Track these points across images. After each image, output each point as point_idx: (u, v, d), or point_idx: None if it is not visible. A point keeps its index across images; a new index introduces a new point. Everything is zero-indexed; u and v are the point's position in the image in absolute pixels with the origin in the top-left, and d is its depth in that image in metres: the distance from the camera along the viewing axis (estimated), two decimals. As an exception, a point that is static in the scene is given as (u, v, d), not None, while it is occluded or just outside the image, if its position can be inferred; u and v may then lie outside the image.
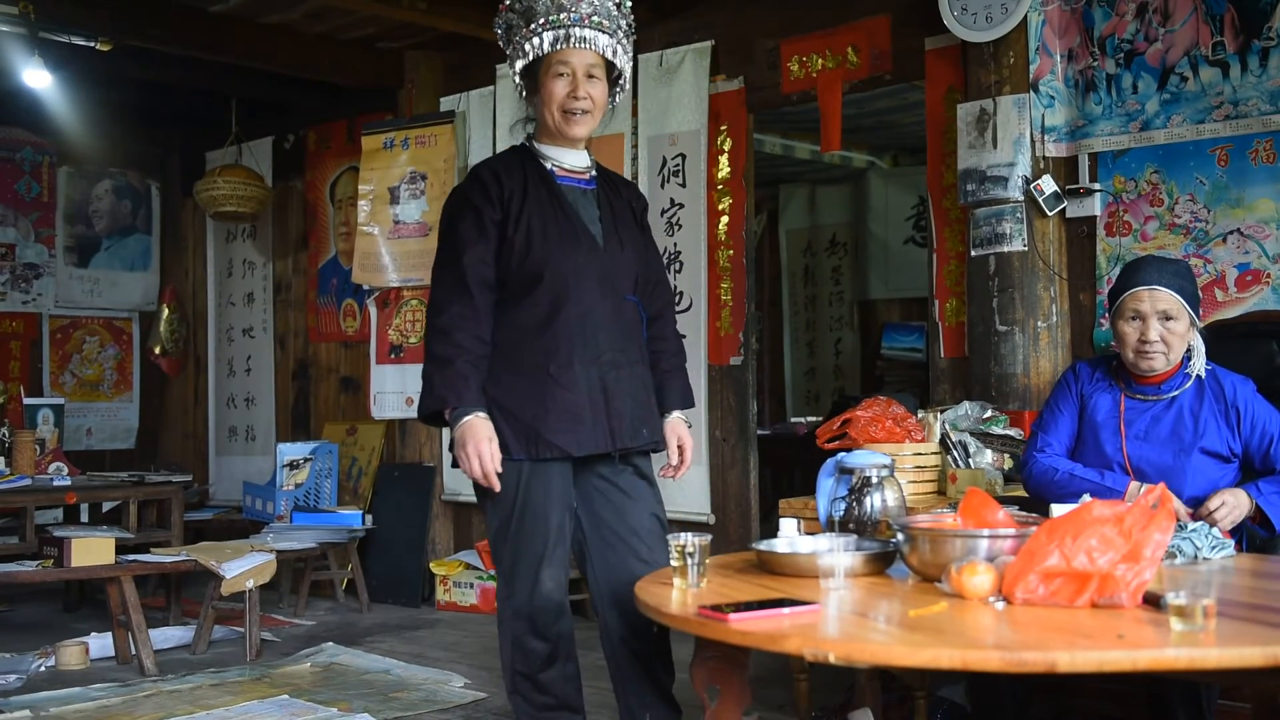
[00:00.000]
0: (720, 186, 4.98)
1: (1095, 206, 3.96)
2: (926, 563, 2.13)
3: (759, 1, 4.90)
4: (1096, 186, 3.94)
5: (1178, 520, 2.45)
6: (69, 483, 5.22)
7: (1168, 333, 2.77)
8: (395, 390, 5.98)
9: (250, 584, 4.57)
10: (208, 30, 5.46)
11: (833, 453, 2.82)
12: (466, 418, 2.63)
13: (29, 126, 7.01)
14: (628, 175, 5.13)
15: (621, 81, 2.85)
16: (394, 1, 5.09)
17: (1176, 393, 2.85)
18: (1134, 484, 2.76)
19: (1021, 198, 3.94)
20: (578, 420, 2.71)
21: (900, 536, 2.19)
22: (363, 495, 6.12)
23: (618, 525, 2.82)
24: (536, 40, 2.69)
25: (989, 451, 3.63)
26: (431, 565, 5.61)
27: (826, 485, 2.67)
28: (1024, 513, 2.38)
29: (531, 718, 2.78)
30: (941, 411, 3.72)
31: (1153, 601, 1.86)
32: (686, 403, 2.97)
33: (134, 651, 4.43)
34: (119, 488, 5.35)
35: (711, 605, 1.95)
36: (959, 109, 4.10)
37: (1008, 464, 3.63)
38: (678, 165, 5.06)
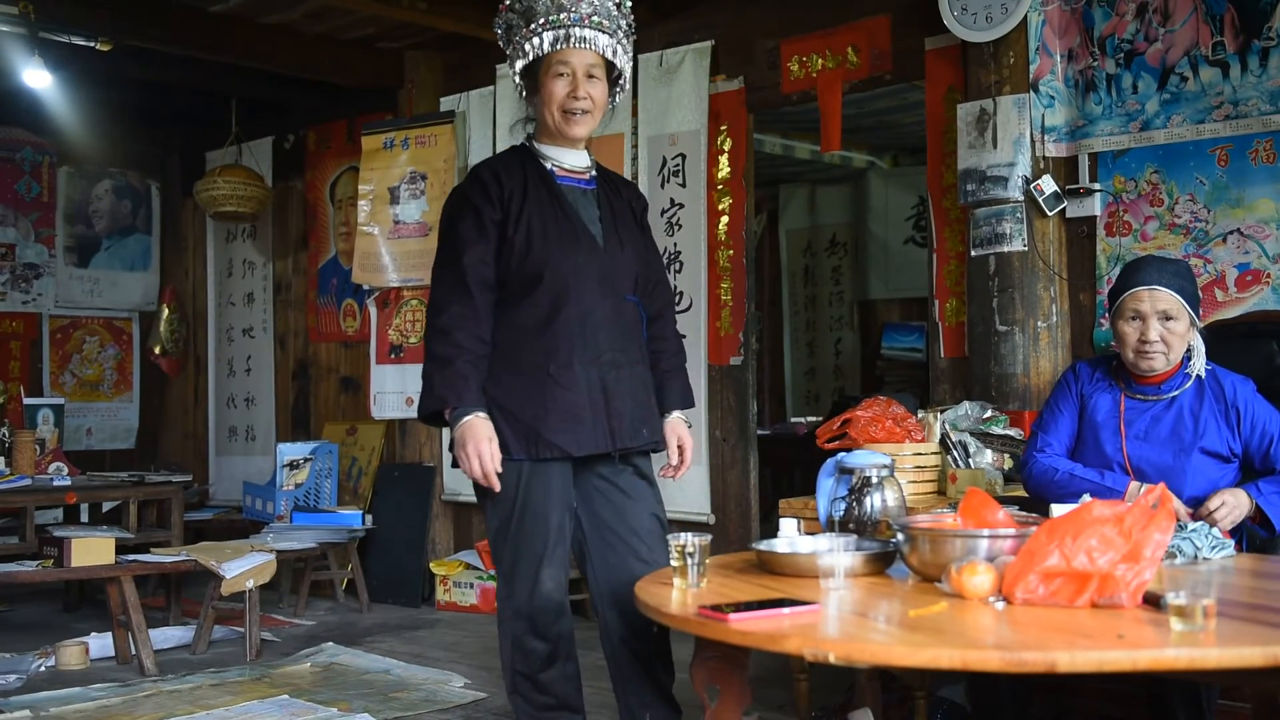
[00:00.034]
0: (720, 186, 4.98)
1: (1095, 206, 3.96)
2: (926, 563, 2.13)
3: (759, 1, 4.90)
4: (1096, 186, 3.94)
5: (1178, 520, 2.45)
6: (69, 483, 5.22)
7: (1168, 333, 2.77)
8: (395, 390, 5.98)
9: (250, 584, 4.57)
10: (208, 30, 5.46)
11: (833, 453, 2.82)
12: (466, 418, 2.63)
13: (29, 126, 7.01)
14: (628, 175, 5.13)
15: (621, 81, 2.85)
16: (394, 1, 5.09)
17: (1176, 393, 2.85)
18: (1134, 484, 2.77)
19: (1021, 198, 3.94)
20: (578, 420, 2.71)
21: (900, 536, 2.20)
22: (363, 495, 6.12)
23: (618, 525, 2.82)
24: (536, 40, 2.70)
25: (989, 451, 3.63)
26: (431, 565, 5.61)
27: (826, 485, 2.67)
28: (1024, 513, 2.38)
29: (532, 718, 2.78)
30: (941, 411, 3.72)
31: (1153, 601, 1.86)
32: (686, 403, 2.97)
33: (134, 651, 4.43)
34: (119, 488, 5.35)
35: (711, 605, 1.95)
36: (959, 109, 4.10)
37: (1008, 464, 3.63)
38: (678, 165, 5.06)
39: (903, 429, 3.51)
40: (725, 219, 4.97)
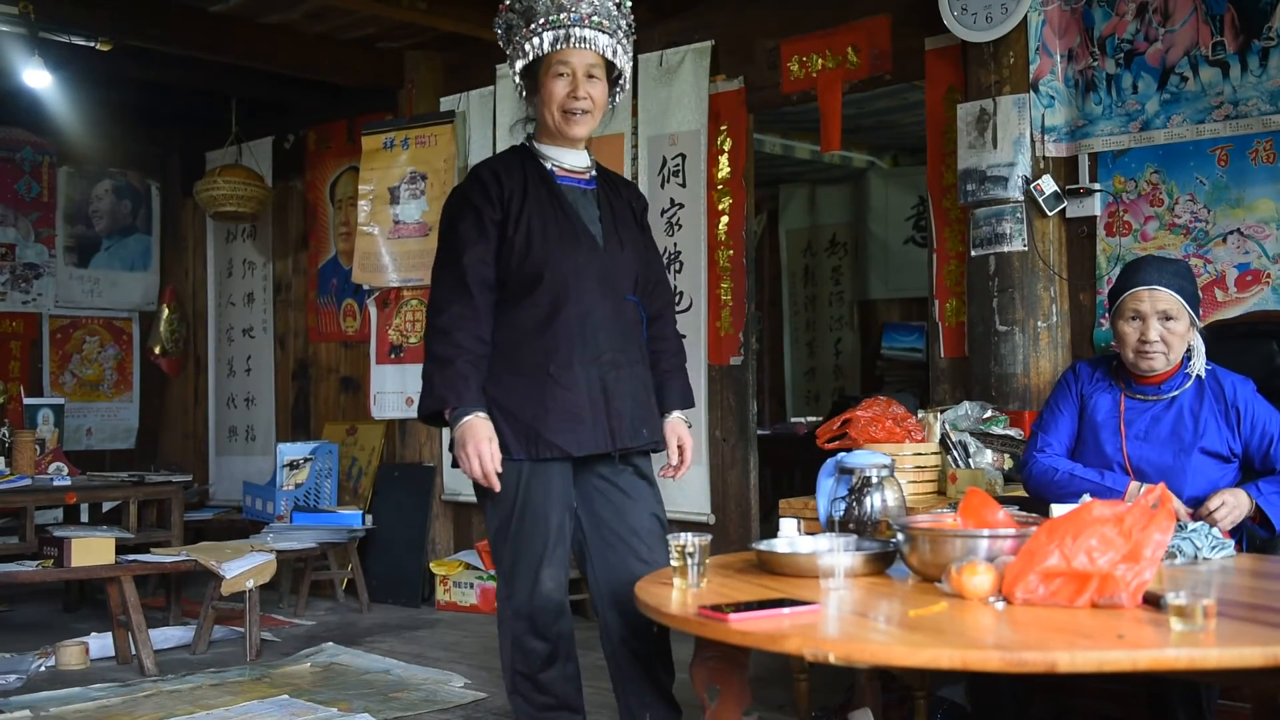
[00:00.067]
0: (720, 186, 4.98)
1: (1095, 206, 3.96)
2: (926, 563, 2.13)
3: (759, 1, 4.90)
4: (1096, 186, 3.94)
5: (1178, 520, 2.45)
6: (69, 483, 5.22)
7: (1168, 332, 2.77)
8: (395, 390, 5.98)
9: (250, 584, 4.57)
10: (208, 30, 5.46)
11: (833, 453, 2.82)
12: (466, 418, 2.63)
13: (29, 126, 7.01)
14: (628, 175, 5.13)
15: (621, 81, 2.85)
16: (394, 1, 5.09)
17: (1176, 393, 2.85)
18: (1134, 484, 2.76)
19: (1021, 198, 3.94)
20: (578, 420, 2.71)
21: (900, 536, 2.20)
22: (363, 495, 6.12)
23: (618, 525, 2.82)
24: (536, 40, 2.70)
25: (989, 451, 3.63)
26: (431, 565, 5.61)
27: (826, 485, 2.67)
28: (1024, 513, 2.38)
29: (531, 718, 2.78)
30: (941, 411, 3.72)
31: (1153, 601, 1.86)
32: (686, 403, 2.97)
33: (134, 651, 4.43)
34: (119, 488, 5.35)
35: (711, 605, 1.95)
36: (959, 109, 4.10)
37: (1008, 464, 3.63)
38: (678, 165, 5.06)
39: (903, 429, 3.51)
40: (725, 219, 4.97)
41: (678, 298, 5.03)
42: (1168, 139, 3.81)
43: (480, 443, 2.61)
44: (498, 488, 2.65)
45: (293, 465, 5.93)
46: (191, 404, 7.59)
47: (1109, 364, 2.98)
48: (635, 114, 5.13)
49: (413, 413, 5.89)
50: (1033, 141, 3.95)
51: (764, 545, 2.39)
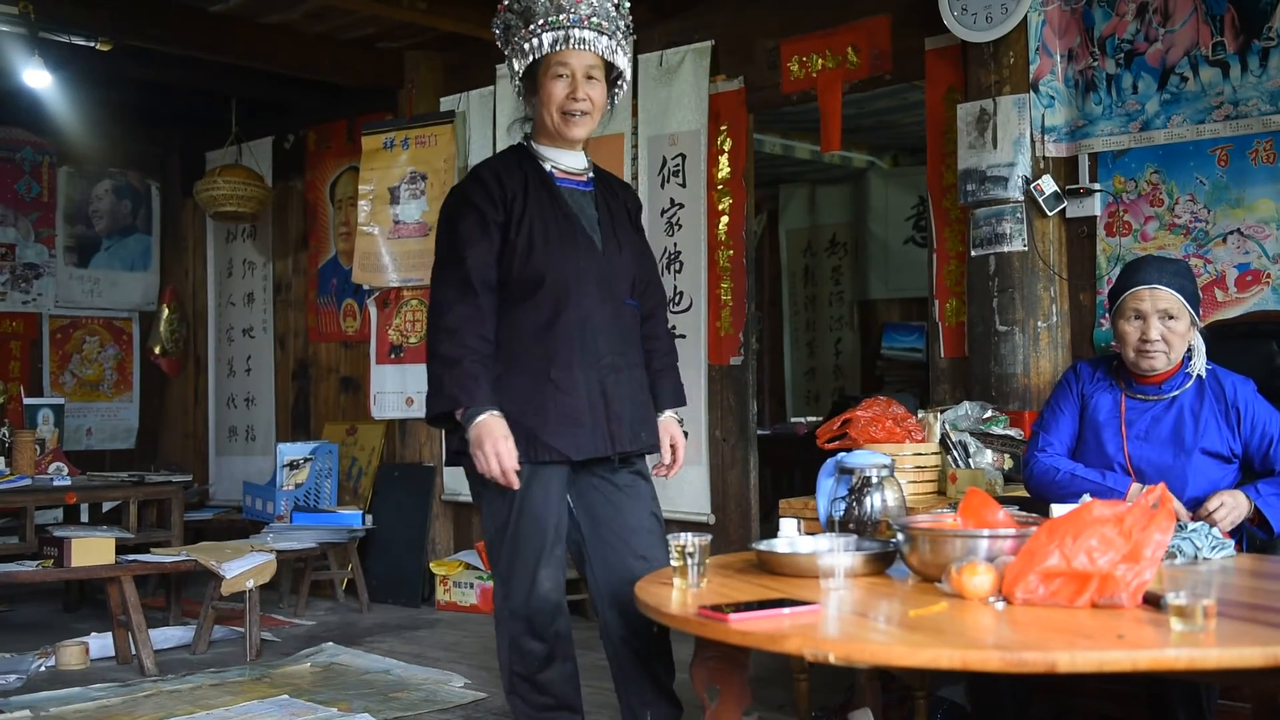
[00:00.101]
0: (720, 186, 4.98)
1: (1095, 206, 3.96)
2: (926, 563, 2.13)
3: (759, 1, 4.90)
4: (1096, 186, 3.94)
5: (1178, 520, 2.45)
6: (69, 483, 5.22)
7: (1169, 332, 2.77)
8: (395, 390, 5.98)
9: (250, 584, 4.57)
10: (208, 30, 5.46)
11: (833, 453, 2.82)
12: (480, 417, 2.61)
13: (29, 126, 7.01)
14: (628, 175, 5.14)
15: (621, 82, 2.85)
16: (394, 1, 5.09)
17: (1177, 393, 2.85)
18: (1135, 485, 2.76)
19: (1021, 198, 3.94)
20: (577, 424, 2.71)
21: (900, 536, 2.20)
22: (363, 495, 6.12)
23: (616, 525, 2.82)
24: (535, 41, 2.69)
25: (989, 451, 3.63)
26: (431, 565, 5.61)
27: (826, 485, 2.67)
28: (1024, 513, 2.38)
29: (530, 718, 2.78)
30: (941, 411, 3.72)
31: (1153, 601, 1.86)
32: (678, 401, 2.98)
33: (134, 651, 4.43)
34: (119, 488, 5.35)
35: (711, 605, 1.95)
36: (959, 109, 4.10)
37: (1008, 464, 3.63)
38: (678, 165, 5.06)
39: (903, 429, 3.51)
40: (725, 219, 4.97)
41: (678, 298, 5.03)
42: (1168, 139, 3.81)
43: (497, 441, 2.60)
44: (516, 485, 2.64)
45: (293, 465, 5.93)
46: (191, 404, 7.59)
47: (1109, 364, 2.98)
48: (635, 114, 5.13)
49: (413, 413, 5.89)
50: (1033, 141, 3.94)
51: (764, 545, 2.39)
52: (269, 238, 7.04)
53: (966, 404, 3.80)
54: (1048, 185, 3.89)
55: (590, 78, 2.74)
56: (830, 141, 4.63)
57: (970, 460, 3.61)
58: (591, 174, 2.89)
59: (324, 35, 5.77)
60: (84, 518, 5.80)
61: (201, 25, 5.44)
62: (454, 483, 5.77)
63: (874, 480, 2.58)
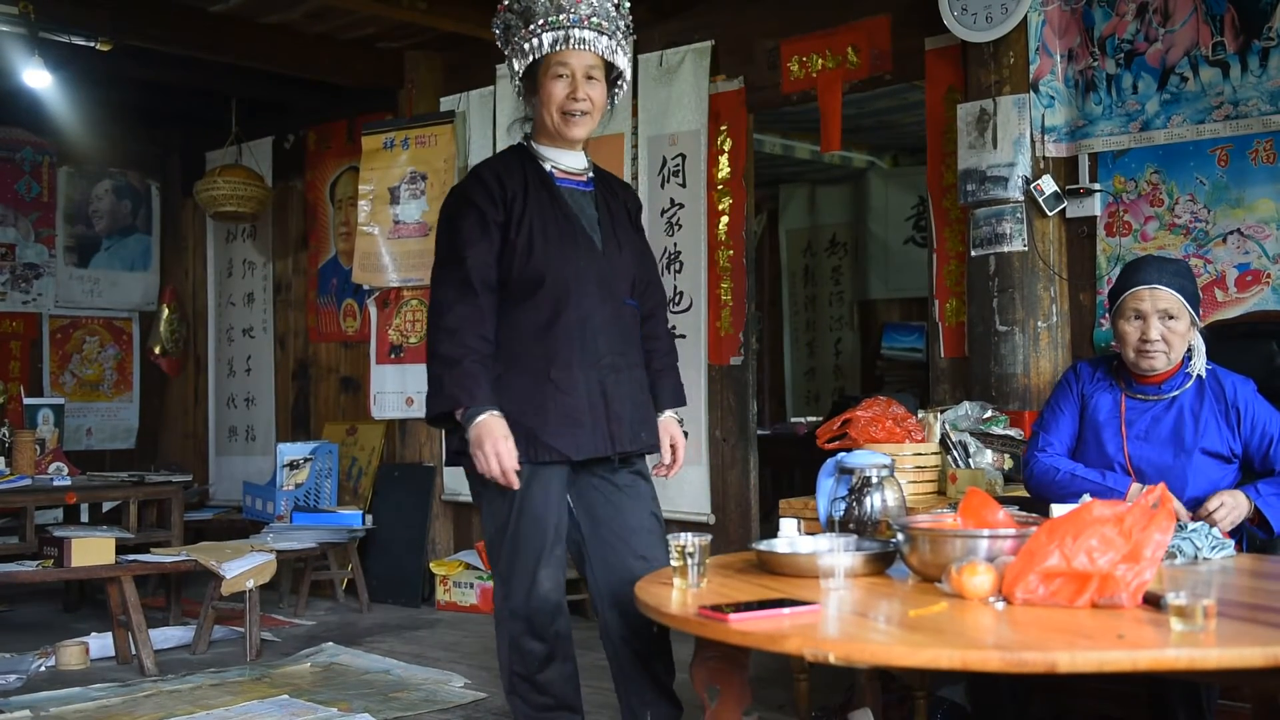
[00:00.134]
0: (720, 186, 4.98)
1: (1095, 207, 3.96)
2: (926, 563, 2.13)
3: (759, 1, 4.90)
4: (1096, 187, 3.94)
5: (1178, 520, 2.45)
6: (69, 483, 5.22)
7: (1169, 332, 2.77)
8: (395, 390, 5.98)
9: (250, 584, 4.57)
10: (208, 30, 5.46)
11: (833, 453, 2.82)
12: (480, 417, 2.61)
13: (29, 126, 7.01)
14: (628, 175, 5.14)
15: (620, 82, 2.85)
16: (394, 1, 5.09)
17: (1177, 393, 2.85)
18: (1135, 485, 2.76)
19: (1021, 198, 3.94)
20: (577, 424, 2.71)
21: (900, 536, 2.20)
22: (363, 495, 6.12)
23: (616, 525, 2.82)
24: (535, 41, 2.69)
25: (989, 451, 3.63)
26: (431, 565, 5.61)
27: (826, 485, 2.67)
28: (1024, 513, 2.38)
29: (530, 718, 2.78)
30: (941, 411, 3.72)
31: (1153, 601, 1.86)
32: (678, 401, 2.99)
33: (134, 651, 4.43)
34: (119, 488, 5.35)
35: (711, 605, 1.95)
36: (959, 109, 4.10)
37: (1008, 464, 3.63)
38: (678, 165, 5.06)
39: (903, 429, 3.51)
40: (725, 219, 4.97)
41: (678, 298, 5.03)
42: (1168, 139, 3.81)
43: (497, 441, 2.60)
44: (516, 485, 2.64)
45: (293, 465, 5.93)
46: (191, 404, 7.59)
47: (1109, 364, 2.98)
48: (635, 114, 5.13)
49: (413, 413, 5.89)
50: (1033, 141, 3.94)
51: (764, 545, 2.39)
52: (269, 238, 7.04)
53: (966, 404, 3.80)
54: (1048, 185, 3.89)
55: (590, 78, 2.74)
56: (830, 141, 4.63)
57: (970, 460, 3.61)
58: (591, 174, 2.89)
59: (324, 35, 5.77)
60: (84, 518, 5.80)
61: (201, 25, 5.44)
62: (454, 483, 5.77)
63: (874, 480, 2.58)
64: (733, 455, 4.99)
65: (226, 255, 7.29)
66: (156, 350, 7.43)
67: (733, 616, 1.87)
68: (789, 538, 2.44)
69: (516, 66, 2.76)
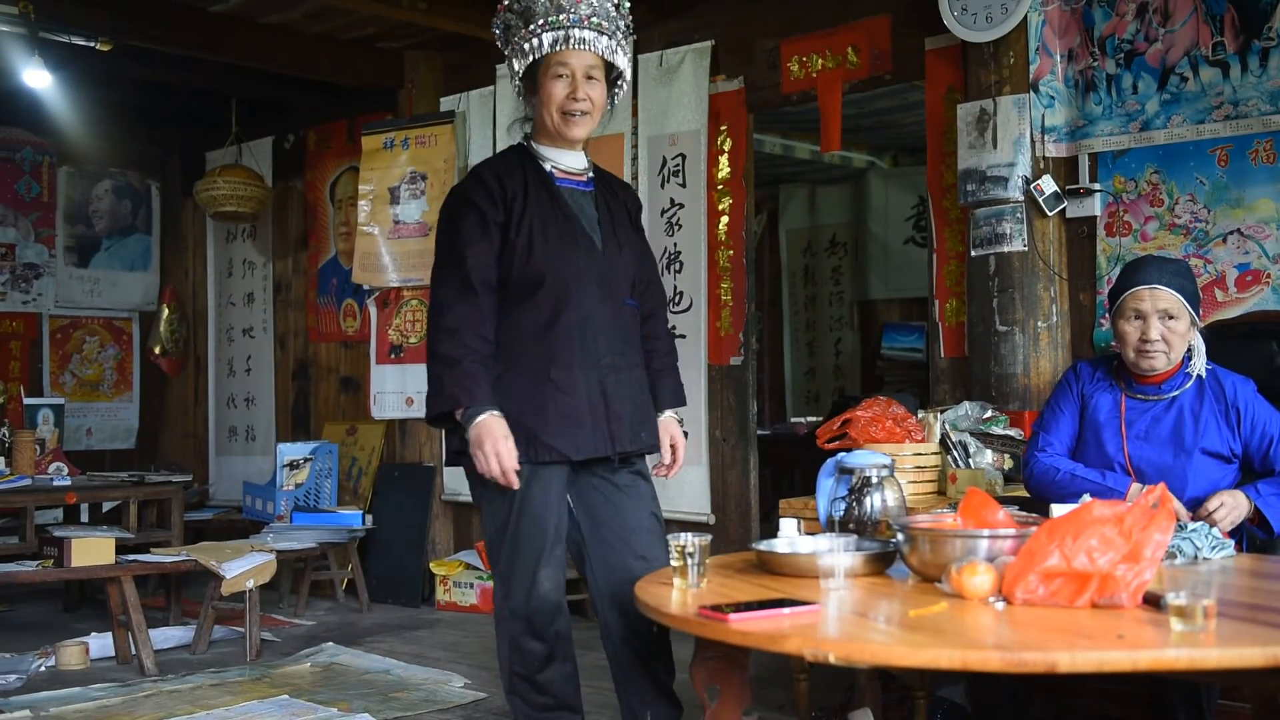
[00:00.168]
0: (720, 186, 4.98)
1: (1095, 207, 3.96)
2: (926, 563, 2.13)
3: (759, 1, 4.90)
4: (1096, 187, 3.94)
5: (1178, 520, 2.45)
6: (69, 483, 5.22)
7: (1169, 331, 2.78)
8: (395, 390, 5.98)
9: (250, 584, 4.57)
10: (208, 30, 5.46)
11: (833, 453, 2.82)
12: (480, 417, 2.61)
13: (29, 126, 7.01)
14: (628, 175, 5.14)
15: (620, 83, 2.85)
16: (394, 1, 5.09)
17: (1177, 393, 2.85)
18: (1135, 485, 2.76)
19: (1021, 198, 3.94)
20: (577, 424, 2.71)
21: (900, 536, 2.20)
22: (363, 495, 6.12)
23: (616, 525, 2.82)
24: (535, 41, 2.69)
25: (989, 451, 3.63)
26: (431, 565, 5.61)
27: (826, 485, 2.67)
28: (1024, 513, 2.38)
29: (530, 718, 2.78)
30: (941, 411, 3.72)
31: (1153, 601, 1.86)
32: (678, 401, 2.99)
33: (134, 651, 4.43)
34: (119, 488, 5.35)
35: (711, 605, 1.95)
36: (959, 109, 4.10)
37: (1008, 464, 3.63)
38: (678, 165, 5.06)
39: (903, 429, 3.51)
40: (725, 219, 4.97)
41: (678, 298, 5.03)
42: (1168, 139, 3.81)
43: (497, 441, 2.60)
44: (516, 485, 2.64)
45: (293, 465, 5.93)
46: (191, 404, 7.59)
47: (1109, 364, 2.98)
48: (635, 114, 5.13)
49: (413, 413, 5.90)
50: (1033, 141, 3.94)
51: (764, 545, 2.39)
52: (269, 238, 7.04)
53: (966, 404, 3.80)
54: (1048, 185, 3.89)
55: (590, 78, 2.74)
56: (830, 141, 4.63)
57: (970, 460, 3.61)
58: (591, 174, 2.89)
59: (324, 35, 5.77)
60: (84, 518, 5.80)
61: (201, 25, 5.44)
62: (454, 483, 5.77)
63: (874, 480, 2.58)
64: (733, 455, 4.99)
65: (226, 255, 7.29)
66: (156, 350, 7.43)
67: (733, 616, 1.87)
68: (789, 538, 2.44)
69: (516, 66, 2.76)
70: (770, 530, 2.70)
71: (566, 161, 2.84)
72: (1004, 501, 2.37)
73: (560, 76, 2.72)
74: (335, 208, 6.67)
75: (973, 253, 4.07)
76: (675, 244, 5.07)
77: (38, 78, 5.34)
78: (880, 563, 2.28)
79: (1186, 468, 2.79)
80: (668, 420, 2.94)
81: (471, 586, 5.41)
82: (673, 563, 2.22)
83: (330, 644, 4.70)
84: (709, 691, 2.16)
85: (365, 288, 6.08)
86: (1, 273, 7.10)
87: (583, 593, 4.78)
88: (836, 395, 7.75)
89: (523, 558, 2.72)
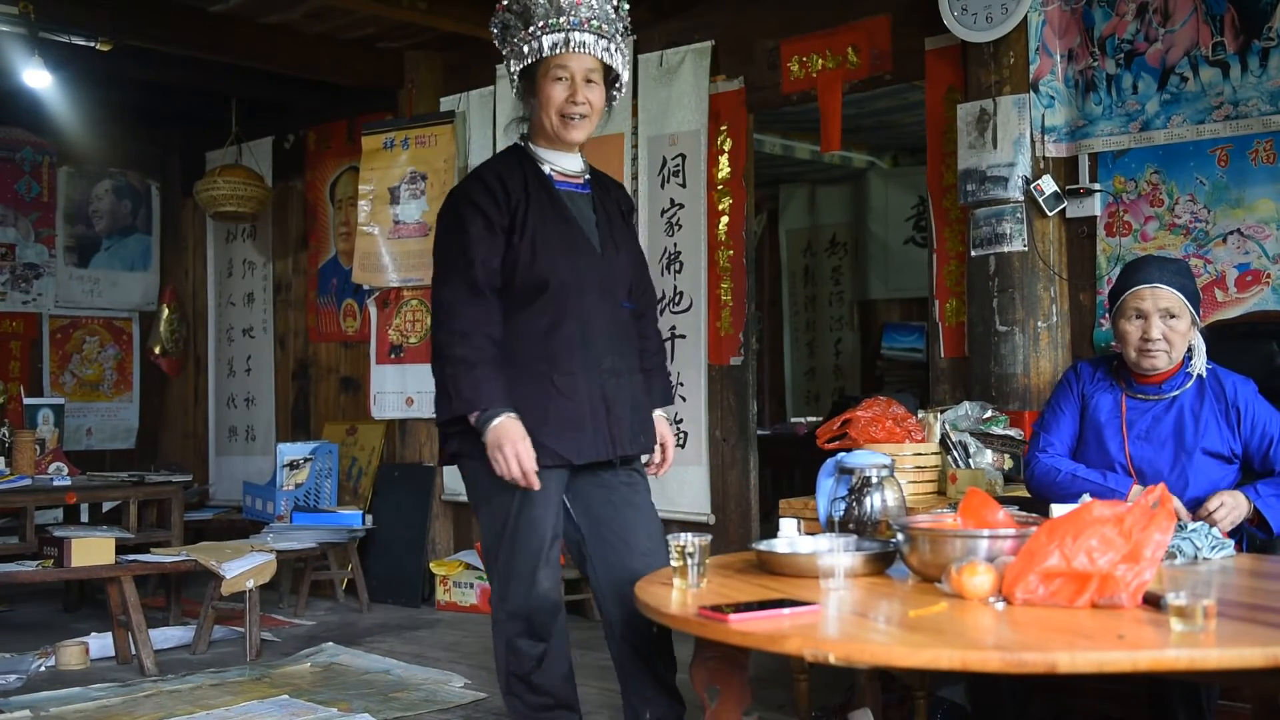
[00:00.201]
0: (720, 186, 4.98)
1: (1095, 207, 3.96)
2: (926, 563, 2.13)
3: (759, 1, 4.90)
4: (1096, 187, 3.94)
5: (1178, 520, 2.45)
6: (69, 483, 5.22)
7: (1170, 330, 2.78)
8: (395, 390, 5.98)
9: (250, 584, 4.57)
10: (208, 30, 5.46)
11: (833, 453, 2.82)
12: (498, 419, 2.61)
13: (29, 126, 7.01)
14: (628, 175, 5.14)
15: (618, 84, 2.85)
16: (394, 1, 5.09)
17: (1177, 392, 2.85)
18: (1136, 487, 2.76)
19: (1021, 198, 3.94)
20: (578, 428, 2.72)
21: (900, 536, 2.20)
22: (363, 495, 6.12)
23: (616, 524, 2.83)
24: (535, 44, 2.69)
25: (989, 451, 3.63)
26: (431, 565, 5.61)
27: (826, 485, 2.67)
28: (1024, 513, 2.38)
29: (527, 718, 2.78)
30: (941, 411, 3.72)
31: (1153, 602, 1.86)
32: (667, 400, 3.01)
33: (134, 651, 4.43)
34: (119, 488, 5.35)
35: (711, 605, 1.95)
36: (959, 109, 4.10)
37: (1008, 464, 3.63)
38: (678, 165, 5.06)
39: (903, 429, 3.51)
40: (725, 219, 4.97)
41: (678, 298, 5.03)
42: (1168, 139, 3.81)
43: (516, 443, 2.60)
44: (537, 485, 2.64)
45: (293, 465, 5.93)
46: (191, 404, 7.59)
47: (1110, 364, 2.98)
48: (635, 114, 5.13)
49: (413, 413, 5.90)
50: (1033, 141, 3.94)
51: (764, 545, 2.39)
52: (269, 238, 7.04)
53: (966, 404, 3.80)
54: (1048, 185, 3.89)
55: (589, 81, 2.74)
56: (830, 141, 4.63)
57: (970, 460, 3.61)
58: (588, 175, 2.89)
59: (324, 35, 5.77)
60: (84, 518, 5.80)
61: (201, 25, 5.44)
62: (454, 483, 5.76)
63: (874, 480, 2.58)
64: (733, 455, 4.99)
65: (226, 255, 7.29)
66: (156, 350, 7.43)
67: (733, 617, 1.87)
68: (789, 538, 2.44)
69: (514, 67, 2.76)
70: (770, 530, 2.70)
71: (564, 164, 2.84)
72: (1004, 501, 2.37)
73: (559, 79, 2.71)
74: (335, 208, 6.67)
75: (973, 253, 4.07)
76: (675, 244, 5.07)
77: (38, 78, 5.34)
78: (880, 563, 2.28)
79: (1187, 468, 2.79)
80: (658, 419, 2.96)
81: (471, 586, 5.41)
82: (673, 563, 2.22)
83: (330, 644, 4.70)
84: (709, 691, 2.16)
85: (365, 288, 6.08)
86: (1, 273, 7.10)
87: (583, 593, 4.78)
88: (836, 395, 7.75)
89: (521, 558, 2.72)
